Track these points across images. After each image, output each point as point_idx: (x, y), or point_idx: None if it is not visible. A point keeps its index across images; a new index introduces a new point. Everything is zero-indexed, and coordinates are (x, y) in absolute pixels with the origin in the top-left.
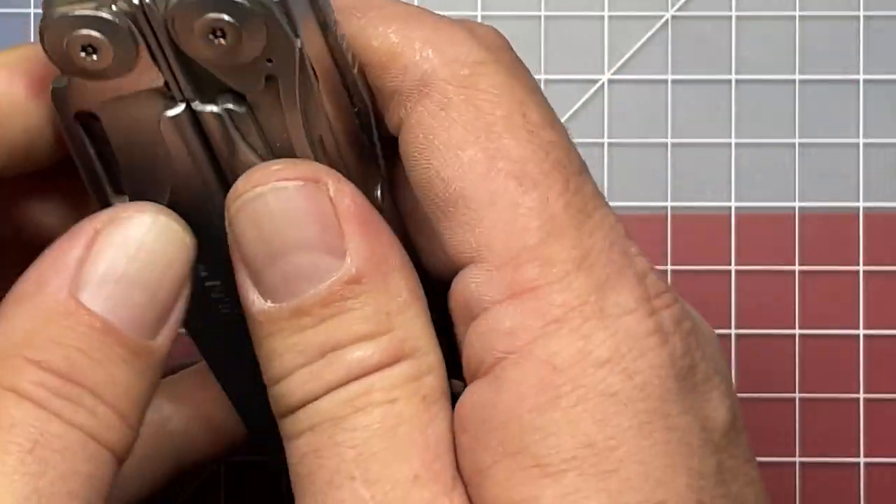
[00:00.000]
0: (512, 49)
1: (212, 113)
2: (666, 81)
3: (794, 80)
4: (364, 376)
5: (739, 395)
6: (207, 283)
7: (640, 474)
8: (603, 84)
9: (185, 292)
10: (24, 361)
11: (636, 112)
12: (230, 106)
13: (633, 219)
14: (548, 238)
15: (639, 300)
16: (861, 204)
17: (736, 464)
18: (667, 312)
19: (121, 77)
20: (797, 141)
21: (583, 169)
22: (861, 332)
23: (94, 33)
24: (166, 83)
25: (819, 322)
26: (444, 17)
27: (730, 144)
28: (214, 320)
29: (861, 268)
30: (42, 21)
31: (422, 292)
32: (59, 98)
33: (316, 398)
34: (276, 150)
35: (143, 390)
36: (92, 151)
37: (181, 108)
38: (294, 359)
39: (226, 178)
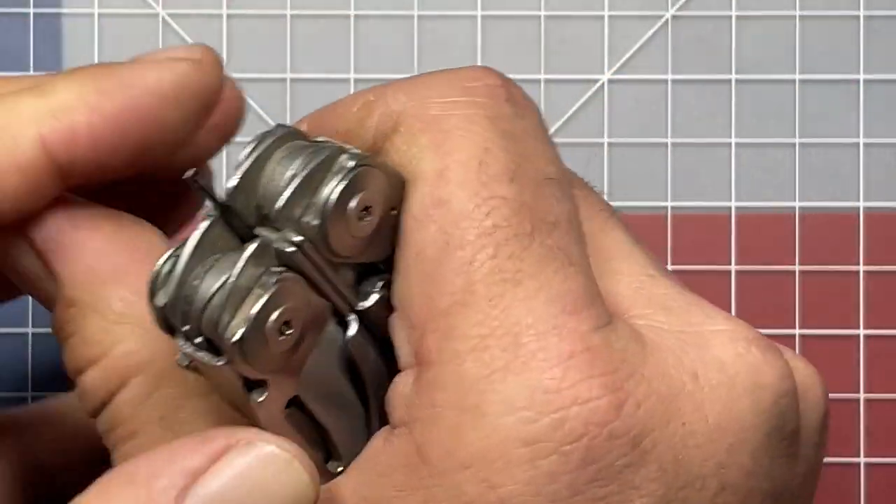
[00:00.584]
0: (509, 87)
1: (376, 301)
2: (666, 81)
3: (794, 80)
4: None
5: None
6: None
7: None
8: (603, 84)
9: None
10: None
11: (636, 112)
12: (379, 282)
13: (634, 219)
14: (456, 307)
15: (532, 397)
16: (861, 204)
17: None
18: (577, 410)
19: (307, 338)
20: (797, 141)
21: (540, 228)
22: (861, 332)
23: (283, 308)
24: (332, 305)
25: (819, 322)
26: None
27: (730, 144)
28: None
29: (861, 268)
30: (236, 342)
31: None
32: (266, 411)
33: None
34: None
35: None
36: (303, 438)
37: (355, 320)
38: None
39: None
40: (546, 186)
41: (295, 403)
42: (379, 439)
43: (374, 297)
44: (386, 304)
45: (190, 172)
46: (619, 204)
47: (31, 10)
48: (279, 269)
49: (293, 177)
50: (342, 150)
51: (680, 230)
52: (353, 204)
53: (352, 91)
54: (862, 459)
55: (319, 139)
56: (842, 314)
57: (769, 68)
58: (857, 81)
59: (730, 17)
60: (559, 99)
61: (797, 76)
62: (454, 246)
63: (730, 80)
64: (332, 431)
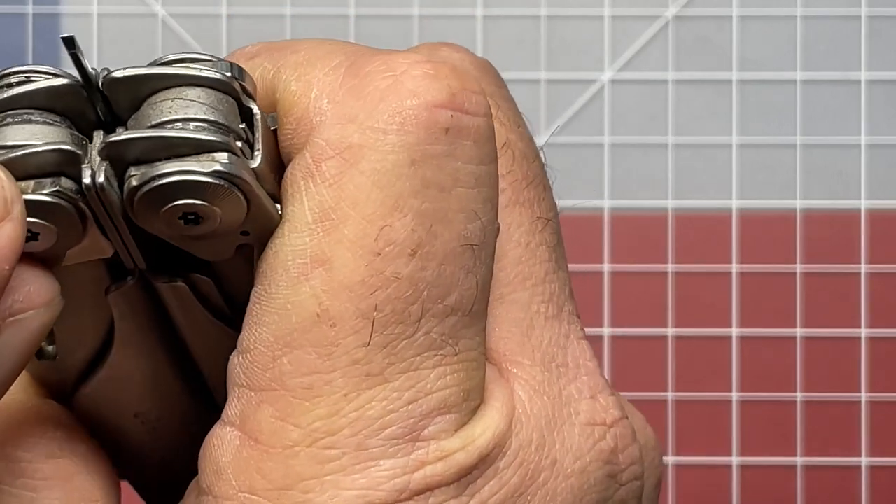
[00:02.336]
0: (456, 101)
1: (171, 285)
2: (667, 81)
3: (795, 80)
4: None
5: (741, 395)
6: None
7: None
8: (603, 84)
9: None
10: None
11: (637, 112)
12: (193, 275)
13: (634, 219)
14: (306, 392)
15: None
16: (863, 203)
17: None
18: None
19: (61, 251)
20: (799, 140)
21: (433, 313)
22: (863, 332)
23: (32, 220)
24: (115, 254)
25: (821, 322)
26: (373, 54)
27: (731, 144)
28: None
29: (863, 267)
30: None
31: None
32: None
33: None
34: (235, 309)
35: None
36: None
37: (131, 280)
38: None
39: (179, 342)
40: (457, 257)
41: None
42: (190, 495)
43: (170, 280)
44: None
45: (69, 35)
46: (619, 204)
47: (31, 10)
48: (71, 187)
49: (167, 124)
50: (227, 148)
51: (681, 230)
52: (177, 203)
53: None
54: (864, 460)
55: (253, 107)
56: (844, 314)
57: (771, 68)
58: (859, 81)
59: (731, 16)
60: (559, 99)
61: (799, 76)
62: (324, 319)
63: (731, 80)
64: (56, 330)
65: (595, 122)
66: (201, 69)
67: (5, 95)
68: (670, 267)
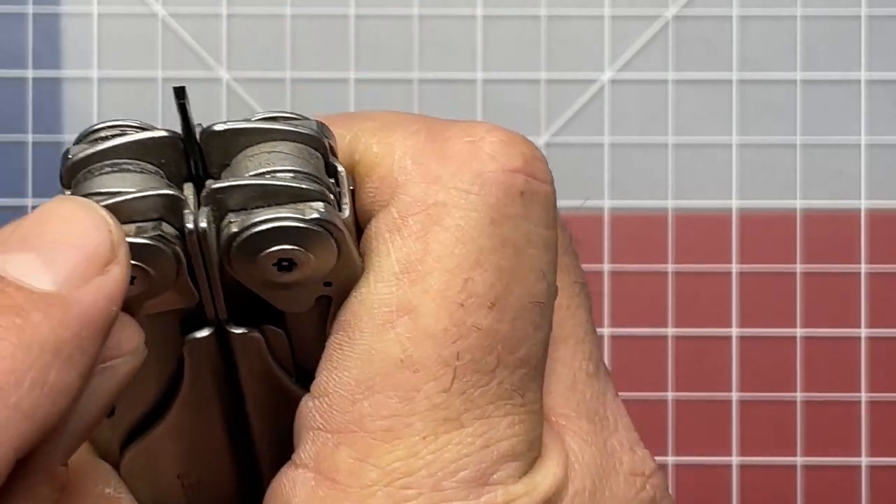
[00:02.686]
0: (529, 168)
1: (248, 336)
2: (667, 81)
3: (795, 80)
4: None
5: (741, 395)
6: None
7: None
8: (603, 84)
9: (112, 275)
10: None
11: (637, 112)
12: (267, 326)
13: (634, 219)
14: (385, 434)
15: None
16: (863, 203)
17: None
18: None
19: (149, 298)
20: (799, 140)
21: (506, 364)
22: (863, 332)
23: (134, 262)
24: (196, 305)
25: (821, 322)
26: (448, 123)
27: (731, 144)
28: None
29: (863, 267)
30: None
31: None
32: None
33: None
34: (301, 366)
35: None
36: None
37: (209, 330)
38: None
39: (235, 394)
40: (528, 312)
41: None
42: None
43: (247, 329)
44: (258, 347)
45: (181, 86)
46: (619, 204)
47: (31, 10)
48: (170, 230)
49: (262, 175)
50: (322, 197)
51: (681, 230)
52: (273, 249)
53: (351, 91)
54: (864, 460)
55: (337, 164)
56: (844, 314)
57: (771, 67)
58: (859, 81)
59: (731, 16)
60: (559, 99)
61: (799, 75)
62: (407, 365)
63: (731, 80)
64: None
65: (595, 122)
66: (295, 125)
67: (105, 146)
68: (670, 267)
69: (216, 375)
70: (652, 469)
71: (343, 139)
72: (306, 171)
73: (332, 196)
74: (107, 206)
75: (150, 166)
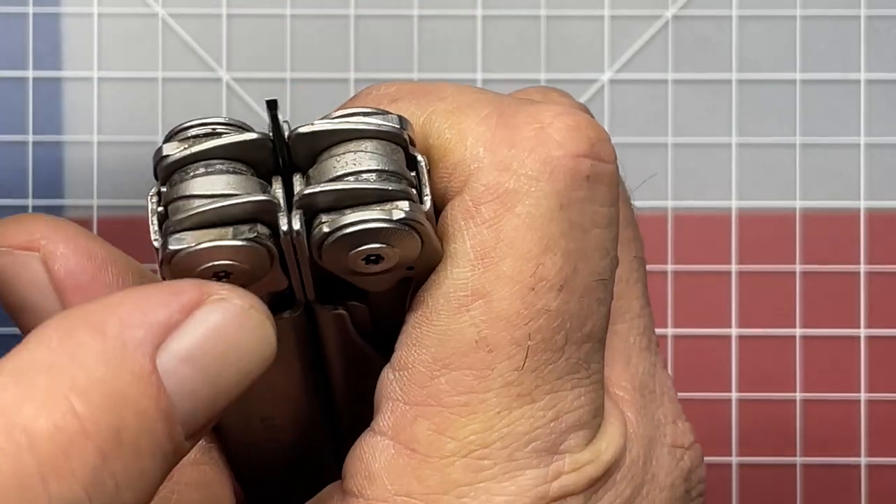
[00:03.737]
0: (595, 150)
1: (335, 313)
2: (667, 81)
3: (795, 80)
4: None
5: (740, 395)
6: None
7: None
8: (603, 84)
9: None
10: (68, 408)
11: (637, 112)
12: (354, 303)
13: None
14: (462, 409)
15: None
16: (862, 204)
17: None
18: None
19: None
20: (798, 140)
21: (573, 340)
22: (862, 332)
23: (230, 262)
24: (289, 286)
25: (821, 322)
26: (518, 106)
27: (731, 144)
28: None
29: (862, 268)
30: (167, 254)
31: None
32: None
33: None
34: (379, 332)
35: (155, 489)
36: None
37: (299, 311)
38: None
39: (320, 360)
40: (594, 290)
41: None
42: (332, 501)
43: (333, 307)
44: (342, 323)
45: (272, 99)
46: None
47: (31, 10)
48: (263, 233)
49: (349, 176)
50: (406, 196)
51: (681, 230)
52: (364, 248)
53: (351, 92)
54: (863, 460)
55: (417, 155)
56: (843, 314)
57: (770, 68)
58: (859, 81)
59: (730, 16)
60: None
61: (798, 76)
62: (482, 345)
63: (731, 80)
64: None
65: None
66: (377, 123)
67: (201, 149)
68: (669, 267)
69: (301, 344)
70: (690, 441)
71: (416, 119)
72: (391, 168)
73: (414, 191)
74: (207, 212)
75: (241, 166)
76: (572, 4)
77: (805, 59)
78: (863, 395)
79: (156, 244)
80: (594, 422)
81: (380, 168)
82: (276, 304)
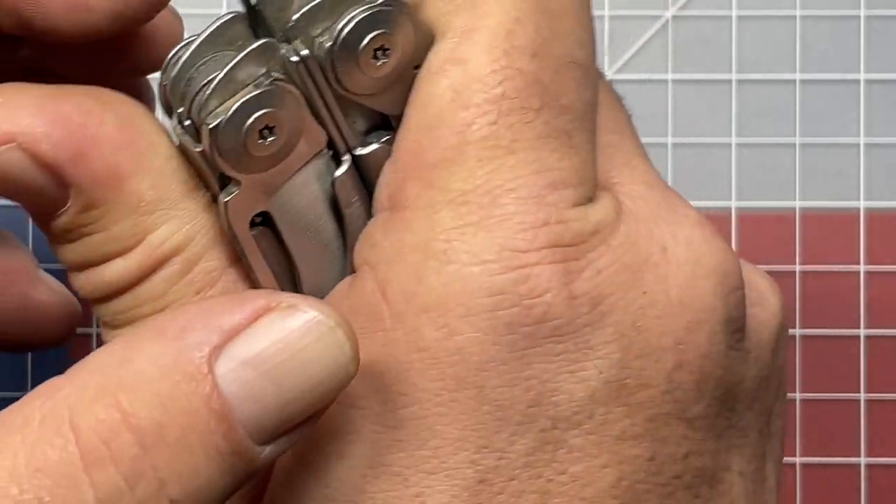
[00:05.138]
0: None
1: (379, 150)
2: (666, 81)
3: (794, 80)
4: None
5: None
6: None
7: (418, 438)
8: None
9: (316, 419)
10: (113, 403)
11: (636, 112)
12: (386, 136)
13: None
14: (444, 162)
15: (501, 252)
16: (862, 204)
17: (591, 442)
18: (540, 269)
19: (290, 154)
20: (798, 140)
21: (550, 106)
22: (862, 332)
23: (268, 110)
24: (329, 141)
25: (820, 322)
26: None
27: (730, 144)
28: None
29: (862, 267)
30: (212, 129)
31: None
32: (233, 211)
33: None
34: None
35: (220, 494)
36: (266, 263)
37: (348, 160)
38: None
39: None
40: (569, 70)
41: (269, 226)
42: (345, 283)
43: (373, 147)
44: (386, 158)
45: None
46: None
47: None
48: (280, 75)
49: None
50: None
51: None
52: (368, 38)
53: None
54: (863, 460)
55: None
56: (842, 314)
57: (770, 68)
58: (858, 81)
59: (730, 16)
60: None
61: (798, 76)
62: (459, 105)
63: (730, 80)
64: (300, 265)
65: None
66: None
67: (187, 54)
68: None
69: (364, 197)
70: (725, 244)
71: None
72: None
73: None
74: (221, 80)
75: (230, 49)
76: None
77: (805, 59)
78: (862, 395)
79: (198, 148)
80: (581, 188)
81: None
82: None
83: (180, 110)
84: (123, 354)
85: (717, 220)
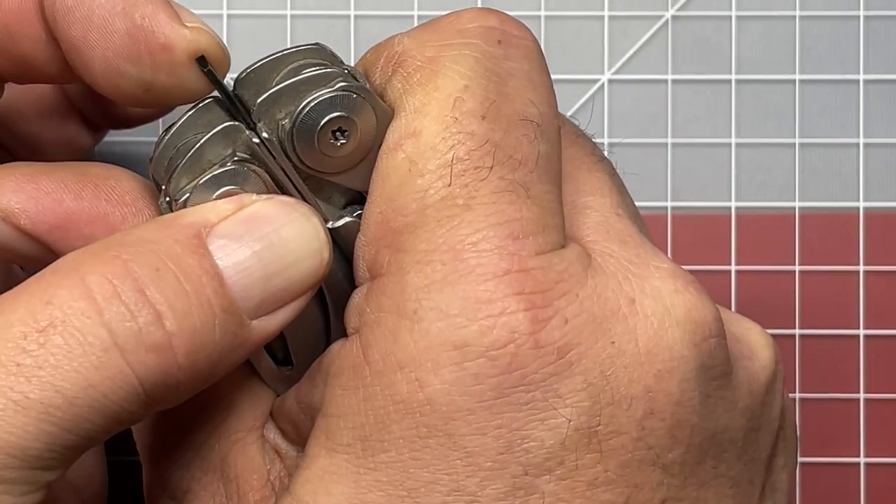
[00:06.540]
0: (505, 27)
1: (350, 223)
2: (666, 81)
3: (794, 80)
4: None
5: None
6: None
7: (394, 480)
8: (603, 84)
9: (300, 301)
10: (115, 255)
11: (636, 112)
12: (359, 211)
13: None
14: (408, 227)
15: (464, 305)
16: (861, 204)
17: (563, 487)
18: (505, 320)
19: None
20: (797, 141)
21: (503, 163)
22: (861, 332)
23: (231, 187)
24: None
25: (819, 322)
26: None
27: (730, 144)
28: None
29: (861, 267)
30: (179, 204)
31: None
32: None
33: None
34: None
35: (217, 352)
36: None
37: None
38: None
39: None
40: (520, 127)
41: None
42: (337, 345)
43: (344, 220)
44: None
45: (199, 56)
46: None
47: None
48: (245, 155)
49: (290, 77)
50: (346, 76)
51: (680, 230)
52: (325, 120)
53: None
54: (862, 459)
55: (345, 66)
56: (842, 314)
57: (769, 68)
58: (857, 81)
59: (730, 17)
60: (559, 99)
61: (797, 76)
62: (415, 173)
63: (730, 80)
64: (288, 336)
65: (594, 123)
66: (304, 45)
67: (167, 138)
68: None
69: (341, 264)
70: (695, 281)
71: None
72: (325, 61)
73: (351, 75)
74: (189, 159)
75: (209, 131)
76: (572, 5)
77: (804, 59)
78: (861, 395)
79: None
80: (543, 237)
81: (316, 62)
82: None
83: (164, 187)
84: (126, 230)
85: (717, 220)
